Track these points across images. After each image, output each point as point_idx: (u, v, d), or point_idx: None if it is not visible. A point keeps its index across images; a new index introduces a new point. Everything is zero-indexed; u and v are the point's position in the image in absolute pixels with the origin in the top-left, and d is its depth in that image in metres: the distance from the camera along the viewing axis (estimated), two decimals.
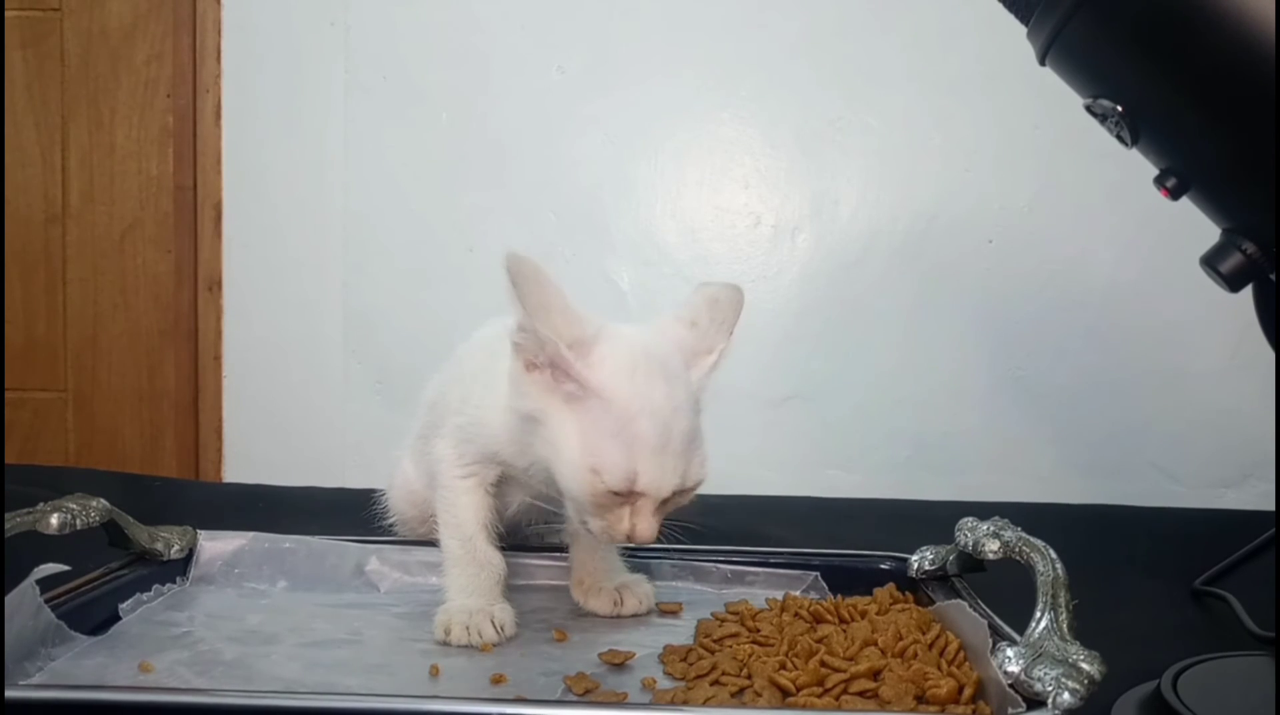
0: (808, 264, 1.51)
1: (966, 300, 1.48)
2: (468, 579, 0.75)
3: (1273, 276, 0.55)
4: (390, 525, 0.98)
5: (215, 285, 1.57)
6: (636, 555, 0.87)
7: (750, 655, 0.66)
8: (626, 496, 0.65)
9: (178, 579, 0.84)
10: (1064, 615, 0.56)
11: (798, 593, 0.84)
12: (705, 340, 0.72)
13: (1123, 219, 1.44)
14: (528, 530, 0.90)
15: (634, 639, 0.74)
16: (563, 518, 0.75)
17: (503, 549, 0.79)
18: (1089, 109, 0.56)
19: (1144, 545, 1.15)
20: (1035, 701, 0.52)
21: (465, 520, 0.77)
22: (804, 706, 0.58)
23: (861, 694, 0.59)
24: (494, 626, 0.72)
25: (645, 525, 0.66)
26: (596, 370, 0.65)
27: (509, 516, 0.82)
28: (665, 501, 0.67)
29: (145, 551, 0.82)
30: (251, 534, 0.88)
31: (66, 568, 0.67)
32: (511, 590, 0.79)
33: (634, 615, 0.80)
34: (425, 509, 0.92)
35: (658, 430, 0.64)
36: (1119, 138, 0.56)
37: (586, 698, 0.61)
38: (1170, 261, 1.40)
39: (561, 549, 0.87)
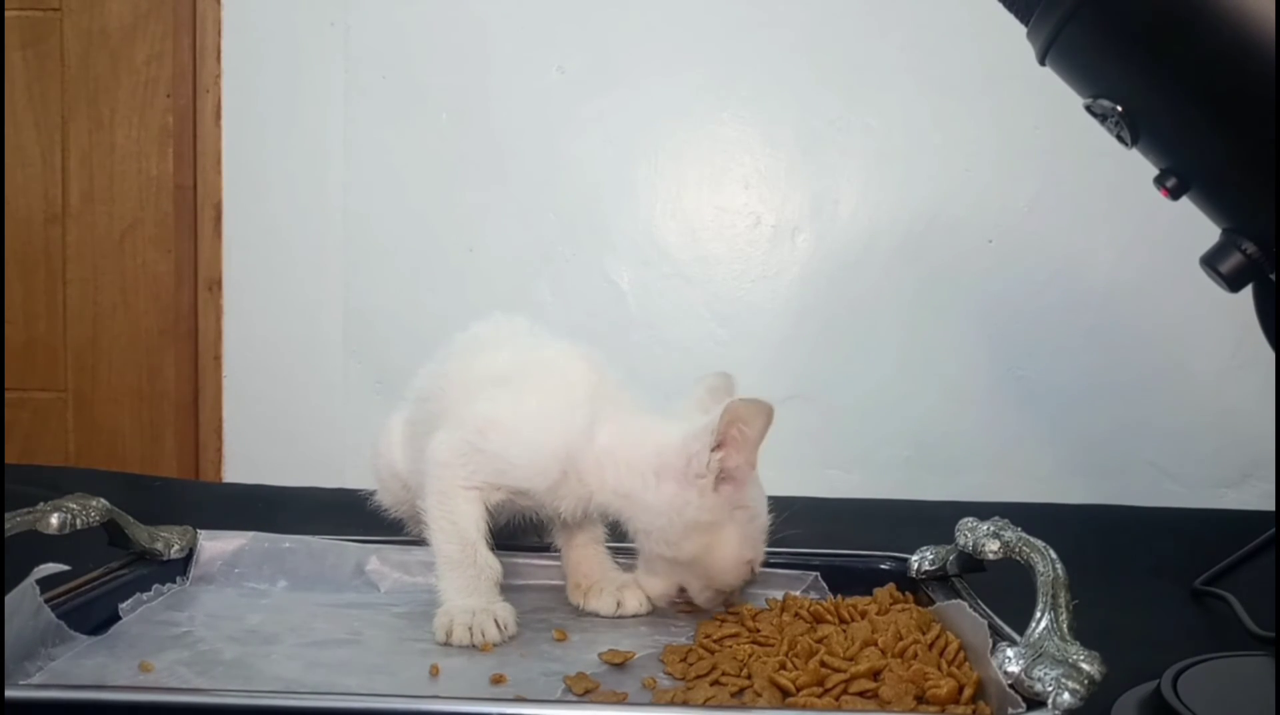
0: (808, 264, 1.51)
1: (966, 300, 1.48)
2: (466, 581, 0.75)
3: (1273, 276, 0.55)
4: (373, 493, 0.98)
5: (215, 285, 1.57)
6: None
7: (750, 655, 0.66)
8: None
9: (178, 579, 0.84)
10: (1064, 615, 0.56)
11: (798, 593, 0.84)
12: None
13: (1123, 219, 1.44)
14: (533, 537, 0.90)
15: (634, 639, 0.74)
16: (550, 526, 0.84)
17: (496, 550, 0.78)
18: (1089, 109, 0.56)
19: (1144, 545, 1.15)
20: (1035, 702, 0.52)
21: (465, 527, 0.76)
22: (804, 706, 0.58)
23: (861, 694, 0.59)
24: (497, 625, 0.72)
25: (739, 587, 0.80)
26: (741, 482, 0.76)
27: (500, 526, 0.82)
28: None
29: (145, 551, 0.82)
30: (251, 534, 0.88)
31: (66, 568, 0.67)
32: (510, 590, 0.79)
33: (635, 615, 0.80)
34: (406, 493, 0.92)
35: (768, 521, 0.79)
36: (1119, 138, 0.56)
37: (586, 698, 0.61)
38: (1170, 261, 1.40)
39: (558, 548, 0.87)
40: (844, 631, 0.68)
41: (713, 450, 0.73)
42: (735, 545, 0.76)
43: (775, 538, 0.80)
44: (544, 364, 0.81)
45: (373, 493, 0.99)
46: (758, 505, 0.77)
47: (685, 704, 0.61)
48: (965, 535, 0.72)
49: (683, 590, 0.79)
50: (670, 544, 0.76)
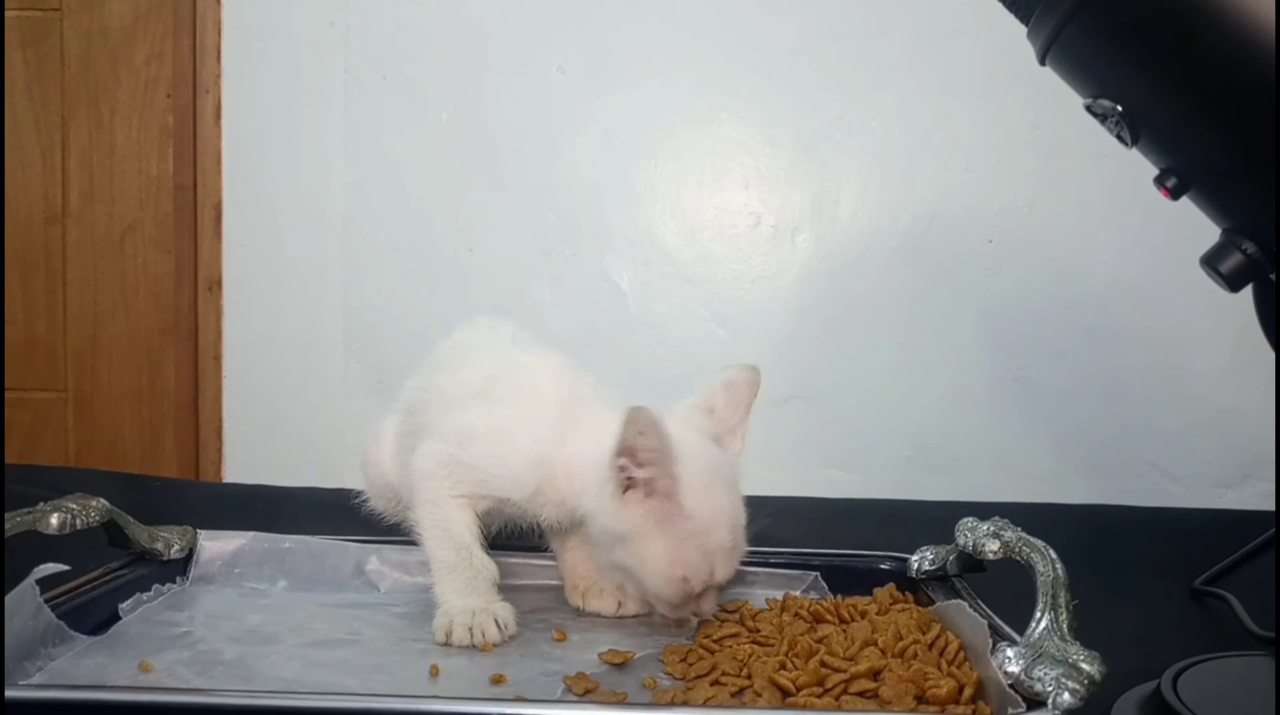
0: (808, 264, 1.51)
1: (966, 300, 1.48)
2: (464, 583, 0.75)
3: (1273, 276, 0.55)
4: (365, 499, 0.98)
5: (215, 285, 1.57)
6: None
7: (750, 655, 0.66)
8: (701, 590, 0.73)
9: (178, 579, 0.84)
10: (1064, 615, 0.56)
11: (798, 593, 0.84)
12: (722, 423, 0.79)
13: (1123, 219, 1.44)
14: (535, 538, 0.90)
15: (634, 639, 0.74)
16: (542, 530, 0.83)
17: (493, 552, 0.78)
18: (1089, 109, 0.56)
19: (1144, 545, 1.14)
20: (1035, 701, 0.52)
21: (458, 532, 0.76)
22: (804, 706, 0.58)
23: (861, 694, 0.59)
24: (497, 625, 0.72)
25: (709, 605, 0.75)
26: (681, 492, 0.71)
27: (493, 534, 0.82)
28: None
29: (145, 551, 0.82)
30: (251, 534, 0.88)
31: (66, 568, 0.67)
32: (509, 590, 0.79)
33: (636, 615, 0.80)
34: (397, 501, 0.92)
35: (729, 535, 0.73)
36: (1119, 138, 0.56)
37: (586, 698, 0.61)
38: (1170, 261, 1.40)
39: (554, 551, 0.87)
40: (844, 631, 0.68)
41: (616, 456, 0.71)
42: (663, 560, 0.71)
43: (754, 534, 0.77)
44: (515, 375, 0.81)
45: (367, 499, 0.99)
46: (710, 521, 0.72)
47: (685, 704, 0.61)
48: (965, 535, 0.72)
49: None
50: (605, 550, 0.75)
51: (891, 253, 1.49)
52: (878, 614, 0.72)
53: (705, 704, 0.60)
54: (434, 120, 1.53)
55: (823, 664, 0.62)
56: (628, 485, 0.72)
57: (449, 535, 0.76)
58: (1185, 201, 0.56)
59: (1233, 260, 0.54)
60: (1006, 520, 0.70)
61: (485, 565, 0.76)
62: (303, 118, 1.55)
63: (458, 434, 0.77)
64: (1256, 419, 1.40)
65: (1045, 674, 0.52)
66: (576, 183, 1.52)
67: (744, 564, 0.87)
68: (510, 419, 0.77)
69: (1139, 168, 0.58)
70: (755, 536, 0.82)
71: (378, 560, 0.88)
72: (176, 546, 0.84)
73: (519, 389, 0.79)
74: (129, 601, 0.76)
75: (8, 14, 1.56)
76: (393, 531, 0.96)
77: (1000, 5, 0.59)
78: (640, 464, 0.70)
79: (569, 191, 1.52)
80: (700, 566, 0.72)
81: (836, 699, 0.59)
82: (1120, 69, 0.54)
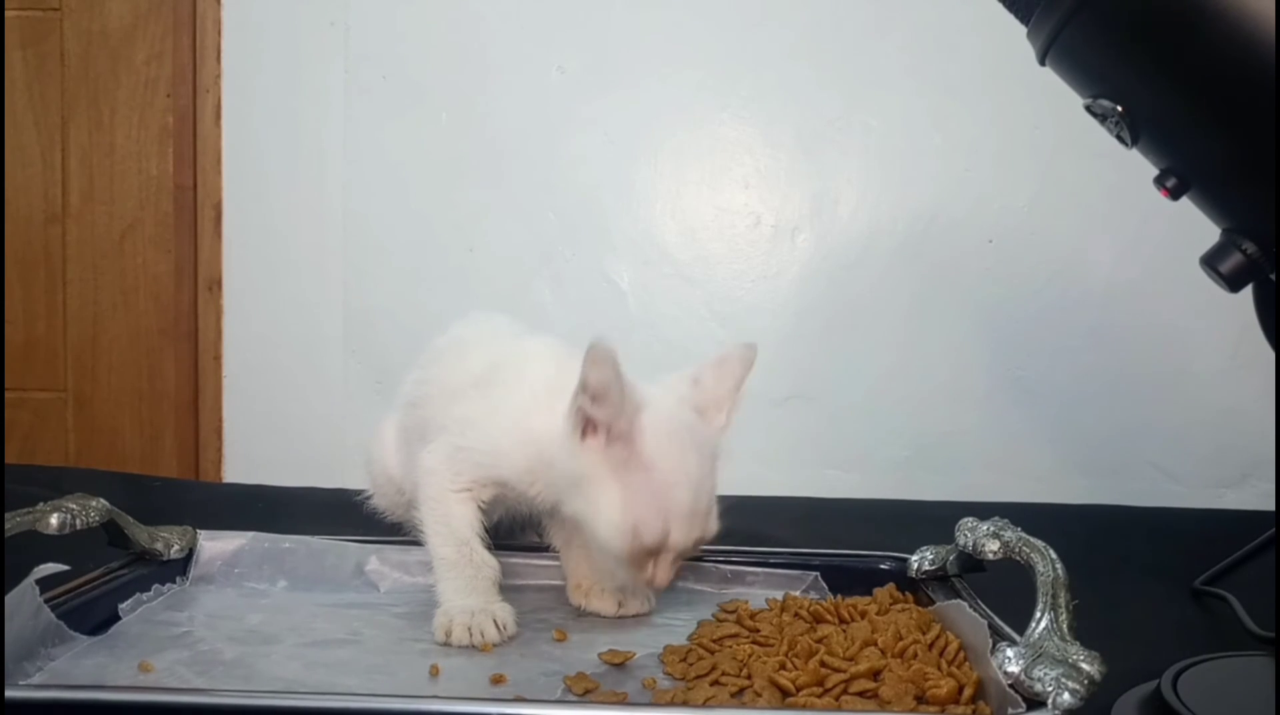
0: (808, 264, 1.51)
1: (966, 300, 1.48)
2: (465, 581, 0.75)
3: (1273, 276, 0.55)
4: (369, 496, 0.99)
5: (215, 285, 1.57)
6: None
7: (750, 655, 0.66)
8: (656, 551, 0.71)
9: (178, 579, 0.84)
10: (1064, 615, 0.56)
11: (798, 593, 0.84)
12: (707, 395, 0.77)
13: (1123, 219, 1.44)
14: (533, 536, 0.91)
15: (634, 639, 0.74)
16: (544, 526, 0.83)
17: (494, 550, 0.78)
18: (1089, 109, 0.56)
19: (1144, 545, 1.15)
20: (1035, 702, 0.52)
21: (459, 528, 0.77)
22: (804, 706, 0.58)
23: (861, 694, 0.59)
24: (496, 626, 0.72)
25: (664, 574, 0.73)
26: (644, 439, 0.70)
27: (493, 524, 0.82)
28: (678, 557, 0.73)
29: (145, 551, 0.82)
30: (251, 534, 0.88)
31: (66, 568, 0.67)
32: (509, 590, 0.79)
33: (636, 615, 0.80)
34: (401, 497, 0.93)
35: (690, 496, 0.71)
36: (1119, 138, 0.56)
37: (586, 698, 0.61)
38: (1170, 261, 1.40)
39: (556, 549, 0.87)
40: (844, 631, 0.68)
41: (575, 395, 0.69)
42: (616, 506, 0.70)
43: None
44: (510, 360, 0.81)
45: (370, 496, 0.99)
46: (670, 477, 0.70)
47: (685, 704, 0.61)
48: (965, 535, 0.72)
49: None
50: (565, 501, 0.74)
51: (891, 253, 1.49)
52: (878, 614, 0.72)
53: (705, 704, 0.60)
54: (434, 120, 1.53)
55: (823, 664, 0.62)
56: (586, 427, 0.70)
57: (451, 530, 0.77)
58: (1185, 201, 0.56)
59: (1233, 260, 0.54)
60: (1006, 520, 0.70)
61: (486, 562, 0.76)
62: (303, 118, 1.55)
63: (460, 423, 0.78)
64: (1256, 419, 1.40)
65: (1045, 674, 0.52)
66: (576, 183, 1.52)
67: (744, 564, 0.88)
68: (504, 400, 0.77)
69: (1139, 168, 0.58)
70: (754, 536, 0.83)
71: (378, 560, 0.88)
72: (176, 546, 0.84)
73: (516, 373, 0.79)
74: (129, 601, 0.76)
75: (8, 14, 1.56)
76: (393, 531, 0.97)
77: (1000, 5, 0.59)
78: (596, 401, 0.68)
79: (569, 191, 1.52)
80: (653, 521, 0.70)
81: (836, 699, 0.59)
82: (1120, 69, 0.54)
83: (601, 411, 0.69)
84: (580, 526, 0.74)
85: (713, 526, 0.74)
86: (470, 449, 0.77)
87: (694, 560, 0.88)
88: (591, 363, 0.68)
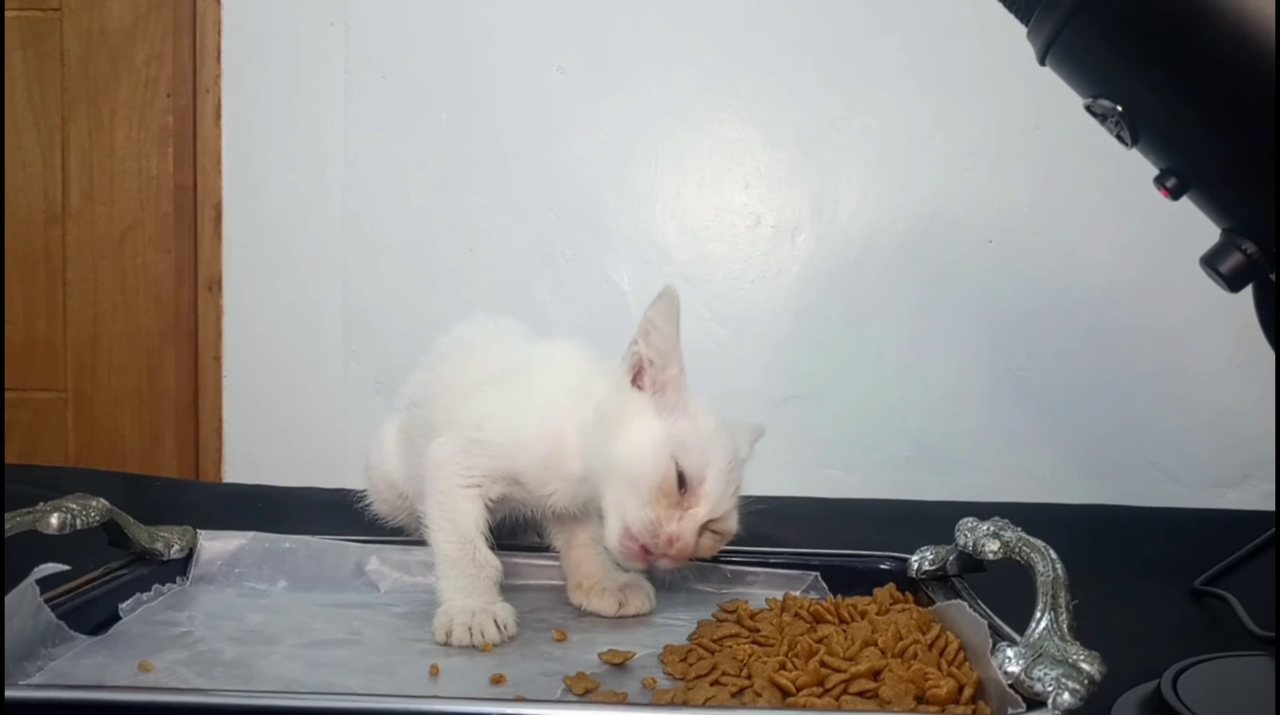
0: (808, 264, 1.51)
1: (966, 300, 1.48)
2: (466, 580, 0.75)
3: (1273, 276, 0.55)
4: (368, 503, 1.00)
5: (215, 285, 1.57)
6: None
7: (750, 655, 0.66)
8: (684, 499, 0.72)
9: (178, 579, 0.84)
10: (1064, 615, 0.56)
11: (798, 593, 0.84)
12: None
13: (1123, 219, 1.44)
14: (534, 536, 0.91)
15: (634, 639, 0.74)
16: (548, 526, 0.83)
17: (496, 550, 0.79)
18: (1089, 109, 0.56)
19: (1144, 545, 1.15)
20: (1035, 702, 0.52)
21: (464, 525, 0.77)
22: (804, 706, 0.58)
23: (861, 694, 0.59)
24: (496, 626, 0.72)
25: (689, 533, 0.72)
26: (688, 397, 0.75)
27: (498, 522, 0.83)
28: (703, 530, 0.74)
29: (145, 551, 0.82)
30: (251, 534, 0.88)
31: (66, 568, 0.67)
32: (509, 590, 0.79)
33: (636, 615, 0.80)
34: (402, 501, 0.93)
35: (728, 458, 0.74)
36: (1119, 138, 0.56)
37: (586, 698, 0.61)
38: (1170, 261, 1.40)
39: (557, 549, 0.87)
40: (844, 631, 0.68)
41: (635, 340, 0.75)
42: (658, 437, 0.72)
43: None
44: (534, 359, 0.83)
45: (369, 503, 1.00)
46: (711, 432, 0.74)
47: (685, 704, 0.61)
48: (965, 535, 0.72)
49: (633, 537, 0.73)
50: (603, 456, 0.74)
51: (891, 253, 1.49)
52: (878, 614, 0.72)
53: (705, 704, 0.60)
54: (434, 120, 1.53)
55: (823, 664, 0.62)
56: (638, 376, 0.75)
57: (455, 527, 0.77)
58: (1185, 201, 0.56)
59: (1233, 260, 0.54)
60: (1006, 520, 0.70)
61: (488, 561, 0.76)
62: (303, 118, 1.55)
63: (475, 417, 0.79)
64: (1256, 419, 1.40)
65: (1045, 674, 0.52)
66: (576, 183, 1.52)
67: (744, 564, 0.88)
68: (525, 395, 0.79)
69: (1139, 168, 0.58)
70: (755, 536, 0.83)
71: (378, 560, 0.88)
72: (176, 546, 0.84)
73: (535, 371, 0.81)
74: (129, 601, 0.76)
75: (8, 14, 1.56)
76: (393, 531, 0.97)
77: (1000, 5, 0.59)
78: (649, 339, 0.74)
79: (569, 191, 1.52)
80: (695, 456, 0.72)
81: (836, 699, 0.59)
82: (1120, 69, 0.54)
83: (654, 350, 0.74)
84: (620, 471, 0.73)
85: (732, 519, 0.76)
86: (486, 442, 0.78)
87: (695, 560, 0.88)
88: (657, 300, 0.73)
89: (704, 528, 0.74)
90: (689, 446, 0.72)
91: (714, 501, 0.73)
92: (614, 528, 0.73)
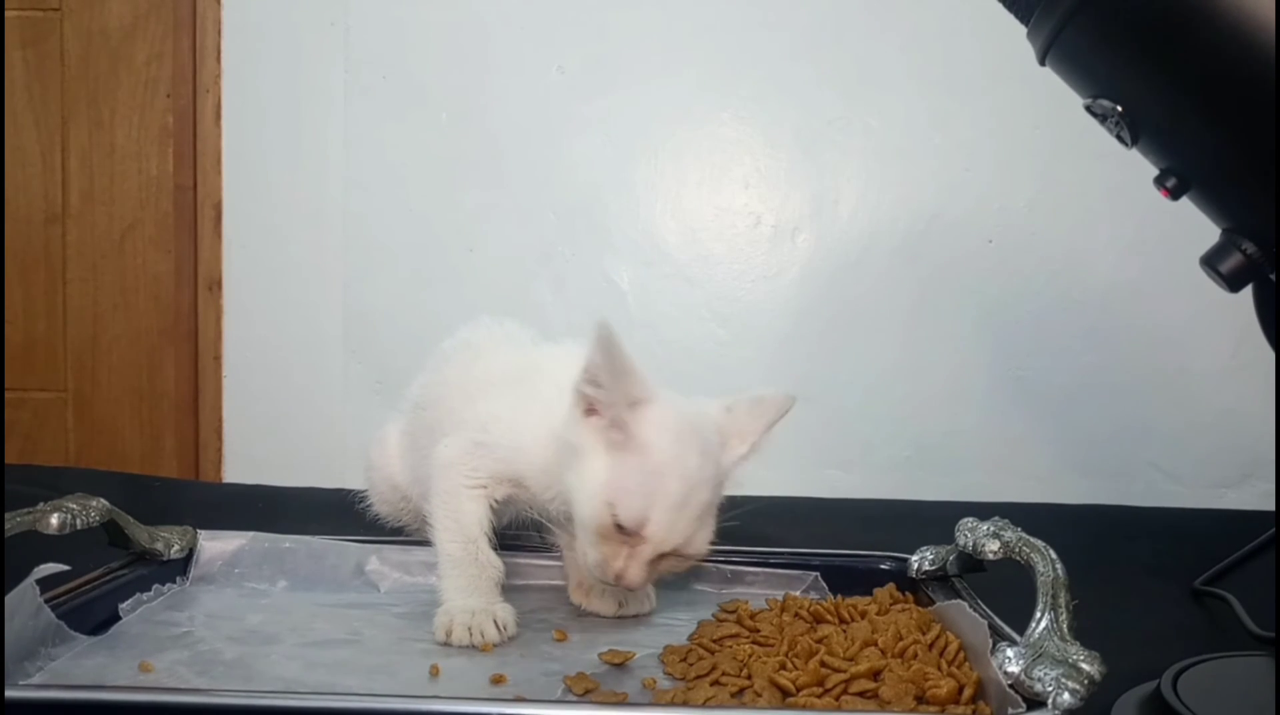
0: (808, 264, 1.51)
1: (966, 300, 1.48)
2: (468, 580, 0.76)
3: (1273, 276, 0.55)
4: (369, 504, 1.00)
5: (215, 285, 1.57)
6: None
7: (750, 655, 0.66)
8: (630, 538, 0.70)
9: (178, 579, 0.84)
10: (1064, 615, 0.56)
11: (798, 593, 0.84)
12: (737, 425, 0.78)
13: (1123, 219, 1.44)
14: (536, 537, 0.91)
15: (634, 639, 0.74)
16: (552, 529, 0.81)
17: (499, 551, 0.79)
18: (1089, 109, 0.56)
19: (1144, 545, 1.14)
20: (1035, 702, 0.52)
21: (468, 525, 0.77)
22: (804, 706, 0.58)
23: (861, 694, 0.59)
24: (496, 626, 0.72)
25: (636, 570, 0.71)
26: (643, 426, 0.71)
27: (502, 525, 0.83)
28: (662, 557, 0.72)
29: (145, 551, 0.82)
30: (251, 534, 0.88)
31: (66, 568, 0.67)
32: (510, 590, 0.79)
33: (636, 615, 0.80)
34: (405, 503, 0.93)
35: (680, 490, 0.70)
36: (1119, 138, 0.56)
37: (586, 698, 0.61)
38: (1170, 261, 1.40)
39: (559, 549, 0.87)
40: (844, 631, 0.68)
41: (589, 381, 0.72)
42: (599, 480, 0.70)
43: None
44: (539, 362, 0.83)
45: (370, 504, 1.00)
46: (661, 465, 0.70)
47: (685, 704, 0.61)
48: (965, 535, 0.72)
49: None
50: (561, 489, 0.74)
51: (891, 253, 1.49)
52: (878, 614, 0.72)
53: (705, 704, 0.60)
54: (434, 120, 1.53)
55: (823, 664, 0.62)
56: (590, 407, 0.72)
57: (459, 527, 0.77)
58: (1185, 201, 0.56)
59: (1233, 260, 0.54)
60: (1006, 520, 0.70)
61: (490, 562, 0.77)
62: (303, 118, 1.55)
63: (482, 419, 0.79)
64: (1256, 419, 1.40)
65: (1045, 674, 0.52)
66: (576, 183, 1.52)
67: (744, 564, 0.88)
68: (530, 399, 0.79)
69: (1139, 168, 0.58)
70: (754, 536, 0.83)
71: (378, 560, 0.88)
72: (176, 546, 0.84)
73: (540, 374, 0.81)
74: (129, 601, 0.76)
75: (8, 14, 1.56)
76: (393, 532, 0.97)
77: (1000, 5, 0.59)
78: (591, 383, 0.71)
79: (569, 191, 1.52)
80: (633, 502, 0.69)
81: (836, 699, 0.59)
82: (1120, 69, 0.54)
83: (598, 393, 0.71)
84: (567, 503, 0.74)
85: (699, 542, 0.73)
86: (492, 444, 0.78)
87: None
88: (593, 341, 0.70)
89: (659, 558, 0.72)
90: (629, 490, 0.70)
91: (660, 538, 0.70)
92: (578, 555, 0.75)
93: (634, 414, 0.71)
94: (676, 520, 0.70)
